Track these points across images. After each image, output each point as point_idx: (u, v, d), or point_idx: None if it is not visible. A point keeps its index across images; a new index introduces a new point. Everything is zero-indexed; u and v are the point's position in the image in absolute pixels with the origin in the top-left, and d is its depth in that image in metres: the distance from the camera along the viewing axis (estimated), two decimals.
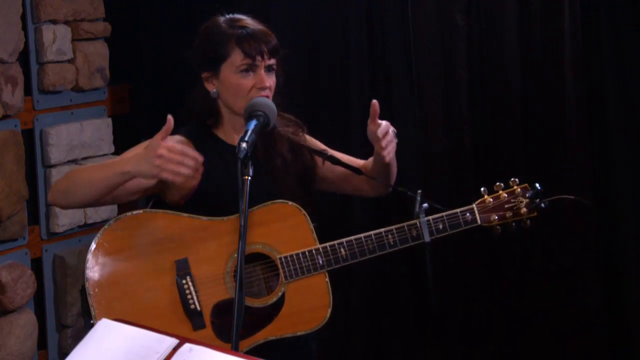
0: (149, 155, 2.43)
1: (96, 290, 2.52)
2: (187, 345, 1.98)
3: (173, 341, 2.00)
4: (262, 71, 2.64)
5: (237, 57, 2.63)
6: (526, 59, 3.76)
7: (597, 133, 3.70)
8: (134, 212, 2.56)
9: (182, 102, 2.72)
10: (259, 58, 2.63)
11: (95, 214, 4.12)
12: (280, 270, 2.59)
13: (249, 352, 2.49)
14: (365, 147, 4.01)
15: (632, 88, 3.62)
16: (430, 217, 2.66)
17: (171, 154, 2.41)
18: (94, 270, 2.53)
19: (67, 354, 2.10)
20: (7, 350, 3.74)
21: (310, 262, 2.59)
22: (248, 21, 2.69)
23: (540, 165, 3.70)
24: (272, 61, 2.66)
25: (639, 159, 3.64)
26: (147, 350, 1.98)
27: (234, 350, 2.18)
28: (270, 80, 2.65)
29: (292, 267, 2.59)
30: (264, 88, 2.62)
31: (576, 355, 3.76)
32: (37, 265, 3.96)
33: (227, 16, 2.71)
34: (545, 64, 3.72)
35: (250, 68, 2.63)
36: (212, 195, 2.64)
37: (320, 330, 2.78)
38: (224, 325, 2.54)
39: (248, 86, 2.63)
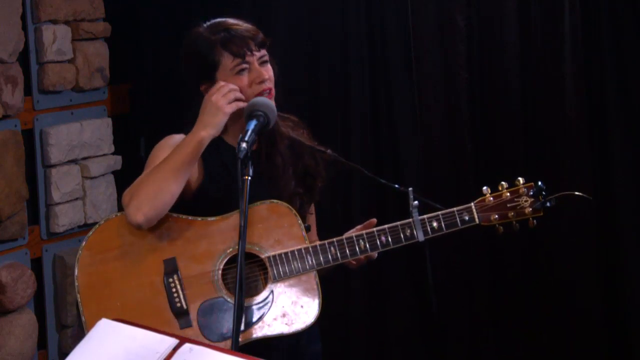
0: (207, 107, 2.56)
1: (86, 289, 2.53)
2: (187, 345, 1.98)
3: (173, 341, 2.00)
4: (257, 65, 2.63)
5: (227, 61, 2.62)
6: (526, 59, 3.76)
7: (597, 133, 3.70)
8: (124, 212, 2.56)
9: (183, 105, 2.71)
10: (248, 54, 2.62)
11: (95, 214, 4.12)
12: (269, 269, 2.58)
13: (241, 350, 2.48)
14: (364, 146, 4.03)
15: (632, 88, 3.62)
16: (425, 216, 2.61)
17: (220, 89, 2.57)
18: (83, 270, 2.55)
19: (67, 354, 2.10)
20: (7, 350, 3.74)
21: (299, 261, 2.58)
22: (228, 22, 2.68)
23: (541, 165, 3.70)
24: (263, 52, 2.66)
25: (639, 159, 3.64)
26: (147, 350, 1.98)
27: (234, 350, 2.18)
28: (268, 72, 2.65)
29: (280, 266, 2.57)
30: (263, 81, 2.62)
31: (577, 356, 3.76)
32: (37, 265, 3.96)
33: (206, 24, 2.70)
34: (545, 64, 3.72)
35: (245, 66, 2.63)
36: (214, 198, 2.64)
37: (321, 331, 2.78)
38: (210, 324, 2.54)
39: (248, 84, 2.62)
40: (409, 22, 3.89)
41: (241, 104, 2.58)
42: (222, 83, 2.60)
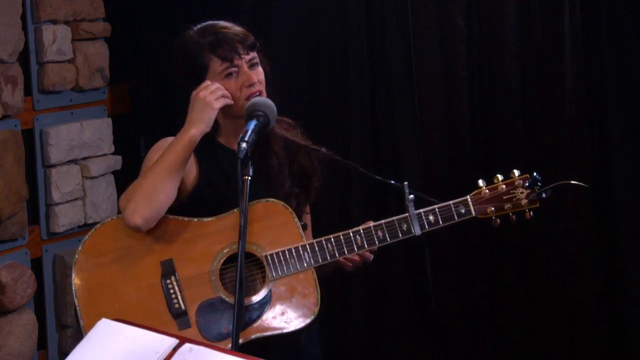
0: (195, 104, 2.58)
1: (83, 293, 2.53)
2: (187, 345, 1.97)
3: (173, 341, 1.99)
4: (246, 68, 2.64)
5: (216, 65, 2.63)
6: (526, 59, 3.76)
7: (597, 133, 3.70)
8: (121, 215, 2.56)
9: (183, 105, 2.71)
10: (236, 57, 2.62)
11: (95, 214, 4.12)
12: (267, 268, 2.58)
13: (241, 350, 2.48)
14: (364, 146, 4.03)
15: (632, 88, 3.62)
16: (421, 210, 2.61)
17: (207, 87, 2.58)
18: (80, 274, 2.55)
19: (67, 354, 2.10)
20: (7, 350, 3.74)
21: (296, 259, 2.58)
22: (218, 25, 2.68)
23: (540, 165, 3.69)
24: (252, 55, 2.66)
25: (639, 159, 3.63)
26: (147, 350, 1.98)
27: (234, 350, 2.18)
28: (258, 75, 2.65)
29: (278, 265, 2.57)
30: (252, 84, 2.63)
31: (576, 354, 3.76)
32: (37, 265, 3.96)
33: (196, 27, 2.70)
34: (545, 64, 3.72)
35: (233, 70, 2.63)
36: (208, 198, 2.64)
37: (320, 331, 2.77)
38: (209, 324, 2.54)
39: (237, 87, 2.63)
40: (409, 22, 3.89)
41: (228, 101, 2.60)
42: (208, 82, 2.61)
